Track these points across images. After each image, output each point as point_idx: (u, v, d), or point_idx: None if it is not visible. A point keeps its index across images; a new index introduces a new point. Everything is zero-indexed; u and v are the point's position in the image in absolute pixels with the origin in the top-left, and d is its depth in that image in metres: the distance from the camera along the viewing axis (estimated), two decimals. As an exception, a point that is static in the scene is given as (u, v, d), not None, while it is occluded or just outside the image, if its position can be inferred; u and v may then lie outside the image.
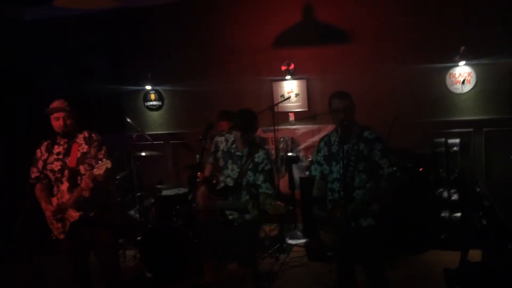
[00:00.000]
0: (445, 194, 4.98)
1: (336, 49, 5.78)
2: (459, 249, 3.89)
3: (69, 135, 3.56)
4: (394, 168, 3.07)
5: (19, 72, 6.55)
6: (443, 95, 5.42)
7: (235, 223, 3.68)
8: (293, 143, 6.00)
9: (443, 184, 5.00)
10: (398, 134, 5.03)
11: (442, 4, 5.31)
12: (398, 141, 4.99)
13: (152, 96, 6.62)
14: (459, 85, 5.33)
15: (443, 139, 5.18)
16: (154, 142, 5.65)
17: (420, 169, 4.83)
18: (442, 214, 4.91)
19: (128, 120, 5.55)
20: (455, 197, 4.92)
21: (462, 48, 5.14)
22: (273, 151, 5.82)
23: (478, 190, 3.61)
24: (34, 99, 6.30)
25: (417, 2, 5.40)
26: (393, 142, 4.84)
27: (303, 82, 5.98)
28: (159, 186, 5.56)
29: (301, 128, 6.05)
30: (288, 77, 5.96)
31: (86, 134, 3.63)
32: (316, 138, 5.87)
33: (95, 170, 3.31)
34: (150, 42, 6.48)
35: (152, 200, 5.43)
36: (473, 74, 5.27)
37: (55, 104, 3.51)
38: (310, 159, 5.77)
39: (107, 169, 3.30)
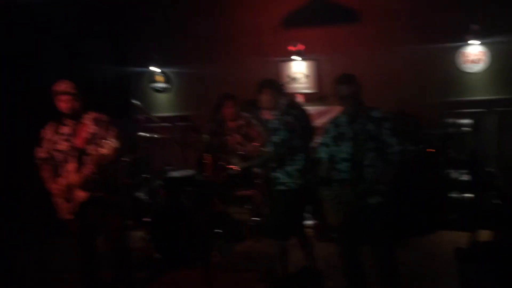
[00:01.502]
0: (455, 174, 4.91)
1: (346, 29, 5.68)
2: (468, 230, 3.87)
3: (76, 116, 3.55)
4: (403, 146, 3.06)
5: (21, 55, 6.53)
6: (455, 75, 5.31)
7: None
8: (302, 124, 5.93)
9: (454, 165, 4.93)
10: (409, 115, 4.95)
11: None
12: (409, 122, 4.92)
13: (159, 78, 6.58)
14: (471, 64, 5.21)
15: (454, 120, 5.09)
16: (161, 124, 5.63)
17: (432, 150, 4.76)
18: (452, 195, 4.85)
19: (135, 102, 5.51)
20: (464, 177, 4.85)
21: (474, 26, 5.02)
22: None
23: (489, 170, 3.55)
24: (36, 82, 6.31)
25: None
26: (404, 122, 4.78)
27: (313, 63, 5.90)
28: (166, 167, 5.55)
29: (310, 109, 5.96)
30: (297, 58, 5.87)
31: (93, 115, 3.62)
32: (326, 119, 5.79)
33: (102, 149, 3.30)
34: (157, 24, 6.40)
35: (160, 182, 5.43)
36: (486, 53, 5.15)
37: (61, 86, 3.50)
38: (319, 141, 5.71)
39: (113, 148, 3.30)
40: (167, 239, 4.66)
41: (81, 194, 3.47)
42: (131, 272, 4.01)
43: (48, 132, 3.59)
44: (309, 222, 5.42)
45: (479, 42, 5.12)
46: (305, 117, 3.90)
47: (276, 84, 3.81)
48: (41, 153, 3.59)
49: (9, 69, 6.21)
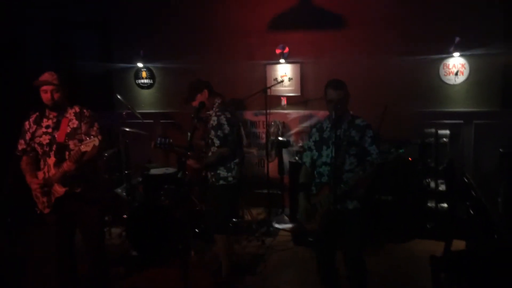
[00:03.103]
0: (433, 184, 5.02)
1: (331, 34, 5.75)
2: (444, 239, 3.95)
3: (58, 108, 3.49)
4: (381, 155, 3.14)
5: (5, 43, 6.39)
6: (436, 86, 5.44)
7: None
8: (284, 127, 5.98)
9: (431, 174, 5.04)
10: (389, 123, 5.04)
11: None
12: (388, 130, 5.00)
13: (144, 74, 6.54)
14: (452, 76, 5.34)
15: (433, 130, 5.21)
16: (144, 121, 5.59)
17: (410, 159, 4.86)
18: (429, 204, 4.96)
19: (119, 97, 5.47)
20: (442, 187, 4.97)
21: (457, 39, 5.14)
22: (264, 135, 5.80)
23: (466, 181, 3.64)
24: (18, 71, 6.18)
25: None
26: (384, 131, 4.86)
27: (297, 66, 5.95)
28: (147, 165, 5.52)
29: (293, 113, 6.03)
30: (282, 60, 5.92)
31: (77, 109, 3.57)
32: (308, 123, 5.87)
33: (82, 146, 3.26)
34: (143, 20, 6.37)
35: (140, 179, 5.39)
36: (467, 66, 5.28)
37: (44, 76, 3.44)
38: (300, 144, 5.77)
39: (94, 146, 3.26)
40: (144, 237, 4.64)
41: (59, 189, 3.42)
42: (107, 267, 3.97)
43: (30, 124, 3.52)
44: (286, 226, 5.48)
45: (459, 54, 5.23)
46: (235, 115, 4.24)
47: (211, 85, 4.02)
48: (22, 145, 3.52)
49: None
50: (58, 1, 6.53)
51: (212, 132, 3.87)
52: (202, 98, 3.91)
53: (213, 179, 3.96)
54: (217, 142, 3.84)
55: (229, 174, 3.91)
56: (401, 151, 3.02)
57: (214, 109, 3.95)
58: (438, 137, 5.15)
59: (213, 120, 3.89)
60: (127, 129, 5.34)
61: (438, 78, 5.41)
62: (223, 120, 3.86)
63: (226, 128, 3.85)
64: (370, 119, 3.41)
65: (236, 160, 3.96)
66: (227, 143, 3.86)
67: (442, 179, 5.00)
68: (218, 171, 3.92)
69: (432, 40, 5.35)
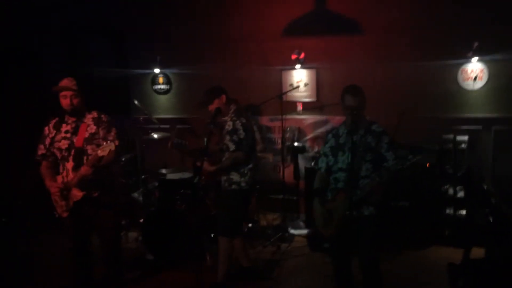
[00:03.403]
0: (451, 190, 4.95)
1: (347, 39, 5.73)
2: (462, 246, 3.89)
3: (77, 114, 3.56)
4: (398, 161, 3.11)
5: (23, 52, 6.53)
6: (454, 91, 5.37)
7: None
8: (300, 133, 5.98)
9: (450, 181, 4.97)
10: (406, 129, 4.98)
11: (456, 0, 5.23)
12: (405, 136, 4.95)
13: (161, 80, 6.61)
14: (470, 82, 5.27)
15: (451, 136, 5.13)
16: (160, 126, 5.65)
17: (427, 165, 4.80)
18: (447, 211, 4.89)
19: (136, 102, 5.53)
20: (460, 194, 4.90)
21: (475, 44, 5.08)
22: (279, 140, 5.80)
23: (485, 187, 3.58)
24: (37, 78, 6.30)
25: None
26: (401, 136, 4.81)
27: (313, 71, 5.94)
28: (163, 169, 5.57)
29: (308, 118, 6.02)
30: (297, 66, 5.91)
31: (95, 114, 3.63)
32: (324, 129, 5.85)
33: (99, 151, 3.31)
34: (160, 26, 6.44)
35: (156, 183, 5.43)
36: (486, 71, 5.20)
37: (64, 82, 3.51)
38: (316, 150, 5.75)
39: (110, 151, 3.30)
40: (160, 241, 4.67)
41: (77, 193, 3.47)
42: (123, 271, 4.01)
43: (49, 129, 3.59)
44: (302, 231, 5.45)
45: (478, 59, 5.16)
46: (250, 121, 4.23)
47: (227, 91, 4.05)
48: (41, 150, 3.59)
49: (11, 66, 6.22)
50: (76, 9, 6.65)
51: (227, 137, 3.88)
52: (219, 103, 3.95)
53: (226, 184, 3.98)
54: (232, 146, 3.86)
55: (242, 179, 3.93)
56: (418, 157, 2.98)
57: (229, 114, 3.97)
58: (456, 143, 5.07)
59: (229, 125, 3.91)
60: (145, 136, 5.39)
61: (456, 83, 5.34)
62: (238, 125, 3.88)
63: (242, 133, 3.87)
64: (386, 125, 3.39)
65: (250, 166, 3.97)
66: (242, 148, 3.87)
67: (461, 186, 4.93)
68: (231, 176, 3.94)
69: (449, 45, 5.29)
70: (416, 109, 5.32)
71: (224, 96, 3.98)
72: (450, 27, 5.25)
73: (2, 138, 5.71)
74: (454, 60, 5.30)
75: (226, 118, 3.98)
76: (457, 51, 5.24)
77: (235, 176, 3.93)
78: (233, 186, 3.94)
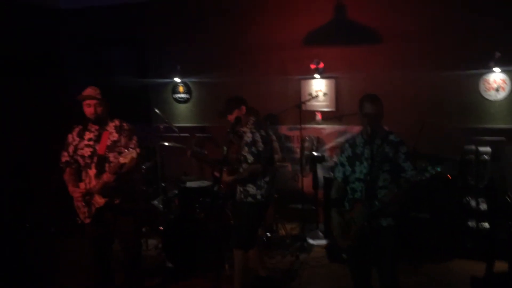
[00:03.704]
0: (473, 202, 4.87)
1: (366, 49, 5.71)
2: (485, 260, 3.82)
3: (100, 122, 3.63)
4: (417, 172, 3.08)
5: (48, 59, 6.72)
6: (476, 102, 5.29)
7: None
8: (319, 142, 5.97)
9: (472, 193, 4.89)
10: (427, 139, 4.94)
11: (477, 9, 5.17)
12: (426, 146, 4.90)
13: (181, 89, 6.68)
14: (493, 92, 5.19)
15: (473, 147, 5.05)
16: (180, 134, 5.70)
17: (448, 176, 4.73)
18: (469, 223, 4.81)
19: (156, 110, 5.61)
20: (483, 206, 4.81)
21: (497, 54, 5.01)
22: (298, 150, 5.79)
23: (508, 200, 3.52)
24: (60, 87, 6.47)
25: (452, 6, 5.27)
26: (422, 147, 4.77)
27: (332, 81, 5.93)
28: (183, 177, 5.61)
29: (327, 128, 6.01)
30: (317, 75, 5.92)
31: (117, 122, 3.69)
32: (342, 139, 5.82)
33: (121, 158, 3.37)
34: (180, 35, 6.53)
35: (176, 191, 5.48)
36: (508, 81, 5.12)
37: (88, 91, 3.58)
38: (335, 159, 5.72)
39: (132, 158, 3.36)
40: (179, 249, 4.70)
41: (99, 200, 3.53)
42: (143, 278, 4.05)
43: (73, 137, 3.67)
44: (321, 242, 5.42)
45: (501, 70, 5.10)
46: (269, 133, 4.23)
47: (247, 102, 4.03)
48: (65, 157, 3.66)
49: (36, 75, 6.39)
50: (97, 20, 6.82)
51: (246, 148, 3.88)
52: (239, 113, 3.95)
53: (242, 195, 3.96)
54: (250, 158, 3.85)
55: (258, 191, 3.91)
56: (437, 169, 2.94)
57: (249, 125, 3.97)
58: (478, 154, 4.99)
59: (248, 137, 3.91)
60: (165, 144, 5.46)
61: (478, 93, 5.27)
62: (257, 137, 3.88)
63: (260, 146, 3.87)
64: (406, 135, 3.36)
65: (267, 179, 3.95)
66: (260, 160, 3.87)
67: (483, 198, 4.84)
68: (247, 188, 3.92)
69: (471, 55, 5.22)
70: (437, 119, 5.27)
71: (244, 107, 3.97)
72: (471, 36, 5.19)
73: (27, 145, 5.85)
74: (475, 70, 5.24)
75: (245, 129, 3.98)
76: (478, 60, 5.17)
77: (251, 189, 3.91)
78: (249, 199, 3.92)
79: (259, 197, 3.91)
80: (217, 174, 3.88)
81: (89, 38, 6.99)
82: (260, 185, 3.91)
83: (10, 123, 5.84)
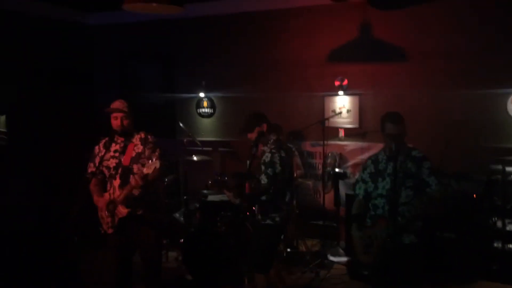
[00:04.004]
0: (499, 223, 4.74)
1: (391, 66, 5.70)
2: (511, 283, 3.71)
3: (126, 134, 3.71)
4: (441, 187, 3.05)
5: (78, 73, 6.94)
6: (503, 120, 5.19)
7: None
8: (341, 159, 5.94)
9: (498, 213, 4.77)
10: (452, 158, 4.86)
11: (504, 27, 5.12)
12: (451, 164, 4.82)
13: (205, 104, 6.78)
14: (521, 111, 5.09)
15: (500, 166, 4.94)
16: (203, 148, 5.77)
17: (474, 196, 4.64)
18: (495, 244, 4.68)
19: (181, 124, 5.70)
20: (509, 227, 4.68)
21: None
22: (321, 166, 5.78)
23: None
24: (89, 100, 6.64)
25: (478, 24, 5.24)
26: (447, 165, 4.69)
27: (356, 98, 5.92)
28: (205, 191, 5.66)
29: (350, 144, 5.98)
30: (340, 92, 5.92)
31: (142, 135, 3.77)
32: (365, 155, 5.76)
33: (144, 169, 3.42)
34: (205, 51, 6.66)
35: (197, 205, 5.52)
36: (537, 100, 5.02)
37: (115, 104, 3.68)
38: (357, 176, 5.68)
39: (155, 169, 3.41)
40: (199, 262, 4.71)
41: (122, 210, 3.59)
42: (163, 290, 4.07)
43: (99, 148, 3.77)
44: (341, 259, 5.36)
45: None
46: (290, 153, 4.12)
47: (268, 120, 3.93)
48: (91, 168, 3.76)
49: (67, 88, 6.61)
50: (126, 36, 7.02)
51: (262, 168, 3.75)
52: (260, 131, 3.84)
53: (260, 217, 3.85)
54: (264, 180, 3.70)
55: (277, 214, 3.79)
56: (462, 184, 2.89)
57: (269, 145, 3.86)
58: (505, 174, 4.88)
59: (266, 157, 3.78)
60: (188, 157, 5.53)
61: (506, 112, 5.17)
62: (276, 158, 3.74)
63: (278, 168, 3.72)
64: (431, 153, 3.33)
65: (286, 199, 3.87)
66: (274, 183, 3.72)
67: (510, 219, 4.72)
68: (266, 209, 3.81)
69: (498, 73, 5.16)
70: (462, 138, 5.20)
71: (265, 125, 3.85)
72: (498, 55, 5.13)
73: (55, 155, 6.02)
74: (503, 89, 5.16)
75: (265, 148, 3.86)
76: (506, 79, 5.10)
77: (270, 210, 3.80)
78: (268, 221, 3.80)
79: (277, 219, 3.79)
80: (229, 196, 3.84)
81: (119, 53, 7.20)
82: (279, 207, 3.81)
83: (44, 133, 6.01)
